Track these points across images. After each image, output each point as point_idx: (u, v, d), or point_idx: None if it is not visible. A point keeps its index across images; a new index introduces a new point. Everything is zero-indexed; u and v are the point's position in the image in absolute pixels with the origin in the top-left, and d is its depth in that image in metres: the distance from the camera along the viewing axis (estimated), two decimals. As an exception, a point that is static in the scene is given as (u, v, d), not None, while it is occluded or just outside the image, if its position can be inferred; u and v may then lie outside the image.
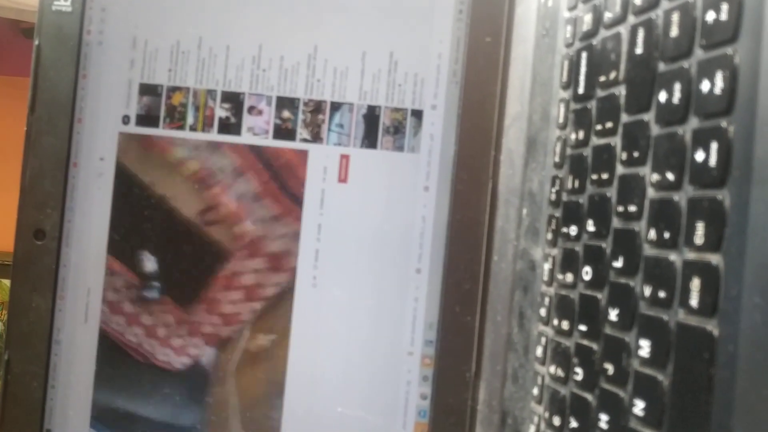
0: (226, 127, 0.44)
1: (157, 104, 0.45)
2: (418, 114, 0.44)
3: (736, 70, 0.23)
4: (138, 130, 0.45)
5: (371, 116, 0.44)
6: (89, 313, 0.44)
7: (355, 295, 0.44)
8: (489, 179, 0.42)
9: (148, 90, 0.45)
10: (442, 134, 0.44)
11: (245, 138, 0.44)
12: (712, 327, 0.23)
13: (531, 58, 0.40)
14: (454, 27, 0.44)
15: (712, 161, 0.23)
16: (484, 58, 0.43)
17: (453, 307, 0.42)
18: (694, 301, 0.23)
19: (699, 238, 0.24)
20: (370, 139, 0.44)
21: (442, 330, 0.43)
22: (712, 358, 0.22)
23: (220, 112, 0.44)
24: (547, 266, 0.36)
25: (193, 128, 0.44)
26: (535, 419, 0.35)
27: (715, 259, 0.23)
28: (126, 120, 0.45)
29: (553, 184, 0.36)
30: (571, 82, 0.35)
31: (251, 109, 0.44)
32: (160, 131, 0.45)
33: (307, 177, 0.44)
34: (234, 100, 0.44)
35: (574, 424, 0.31)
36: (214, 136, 0.44)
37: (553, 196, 0.36)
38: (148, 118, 0.45)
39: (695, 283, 0.23)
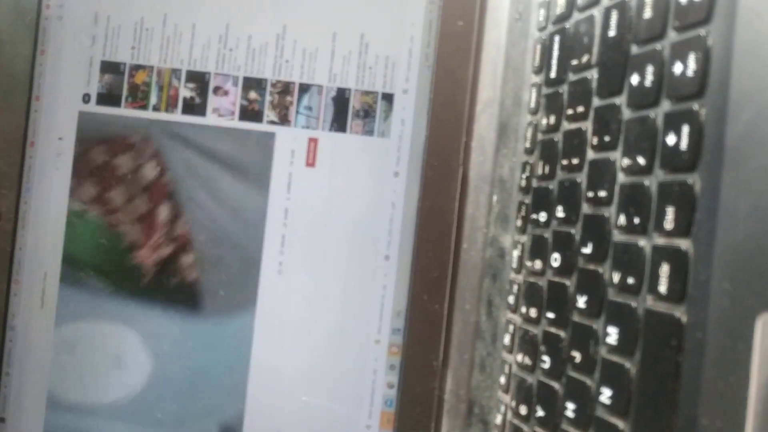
0: (191, 107, 0.43)
1: (119, 83, 0.43)
2: (388, 98, 0.43)
3: (709, 52, 0.22)
4: (99, 109, 0.43)
5: (341, 99, 0.43)
6: (46, 298, 0.43)
7: (322, 282, 0.43)
8: (459, 165, 0.41)
9: (109, 68, 0.43)
10: (413, 119, 0.43)
11: (210, 119, 0.43)
12: (680, 313, 0.22)
13: (504, 42, 0.39)
14: (427, 10, 0.43)
15: (684, 145, 0.23)
16: (456, 42, 0.42)
17: (421, 295, 0.42)
18: (662, 288, 0.23)
19: (669, 223, 0.23)
20: (339, 123, 0.43)
21: (410, 318, 0.42)
22: (680, 345, 0.22)
23: (185, 92, 0.43)
24: (516, 253, 0.35)
25: (156, 108, 0.43)
26: (502, 408, 0.35)
27: (684, 244, 0.22)
28: (86, 98, 0.43)
29: (523, 170, 0.35)
30: (544, 66, 0.35)
31: (217, 89, 0.43)
32: (122, 111, 0.43)
33: (273, 160, 0.43)
34: (199, 80, 0.43)
35: (540, 413, 0.31)
36: (178, 116, 0.43)
37: (524, 183, 0.35)
38: (109, 97, 0.43)
39: (664, 269, 0.23)
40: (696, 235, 0.22)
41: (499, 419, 0.35)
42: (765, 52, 0.20)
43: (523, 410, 0.32)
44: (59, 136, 0.43)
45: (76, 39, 0.43)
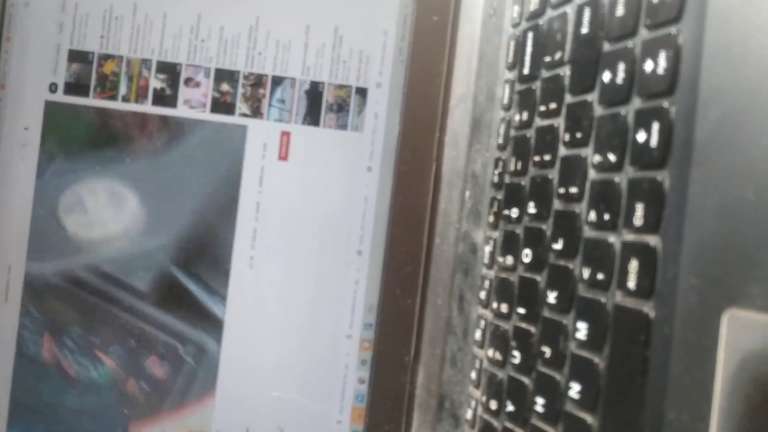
0: (161, 98, 0.42)
1: (88, 72, 0.42)
2: (362, 92, 0.43)
3: (680, 50, 0.23)
4: (66, 98, 0.42)
5: (314, 92, 0.42)
6: (9, 292, 0.42)
7: (294, 276, 0.43)
8: (433, 161, 0.41)
9: (77, 57, 0.42)
10: (386, 113, 0.43)
11: (181, 111, 0.42)
12: (648, 309, 0.22)
13: (478, 37, 0.39)
14: (402, 4, 0.43)
15: (653, 142, 0.23)
16: (430, 37, 0.42)
17: (393, 290, 0.42)
18: (631, 283, 0.23)
19: (638, 219, 0.23)
20: (312, 116, 0.42)
21: (381, 313, 0.42)
22: (648, 341, 0.22)
23: (155, 82, 0.42)
24: (488, 249, 0.35)
25: (125, 99, 0.42)
26: (473, 403, 0.35)
27: (653, 240, 0.23)
28: (53, 88, 0.42)
29: (496, 166, 0.36)
30: (517, 62, 0.35)
31: (188, 80, 0.42)
32: (90, 101, 0.42)
33: (245, 153, 0.42)
34: (170, 70, 0.42)
35: (510, 407, 0.31)
36: (148, 107, 0.42)
37: (496, 178, 0.35)
38: (77, 87, 0.42)
39: (633, 265, 0.23)
40: (665, 232, 0.22)
41: (469, 414, 0.35)
42: (734, 51, 0.20)
43: (493, 405, 0.32)
44: (25, 125, 0.42)
45: (43, 26, 0.42)
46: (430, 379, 0.40)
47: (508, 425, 0.31)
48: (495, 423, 0.32)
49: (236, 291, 0.42)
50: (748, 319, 0.19)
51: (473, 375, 0.35)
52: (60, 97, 0.42)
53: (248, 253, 0.42)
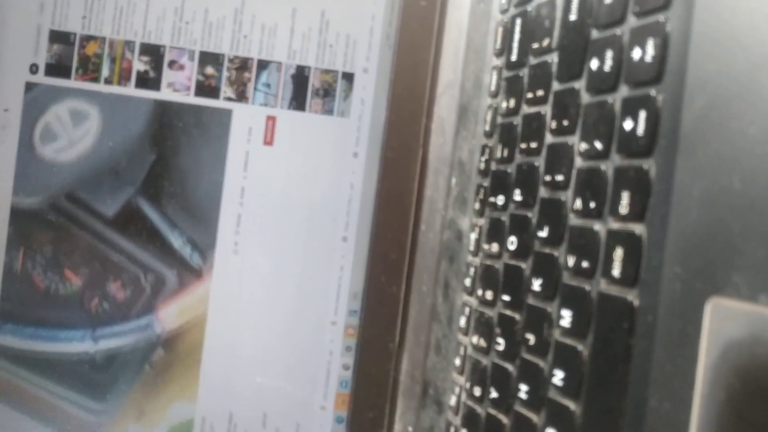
0: (145, 81, 0.42)
1: (69, 54, 0.41)
2: (349, 77, 0.42)
3: (668, 38, 0.23)
4: (47, 80, 0.41)
5: (300, 77, 0.42)
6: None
7: (279, 262, 0.42)
8: (419, 147, 0.41)
9: (59, 37, 0.41)
10: (373, 99, 0.42)
11: (165, 94, 0.42)
12: (632, 297, 0.22)
13: (466, 24, 0.39)
14: (389, -12, 0.42)
15: (640, 130, 0.23)
16: (418, 23, 0.41)
17: (379, 276, 0.42)
18: (616, 271, 0.23)
19: (624, 207, 0.23)
20: (298, 101, 0.42)
21: (366, 300, 0.42)
22: (632, 328, 0.22)
23: (139, 65, 0.42)
24: (473, 236, 0.35)
25: (108, 81, 0.42)
26: (456, 390, 0.35)
27: (638, 228, 0.23)
28: (34, 69, 0.41)
29: (482, 153, 0.35)
30: (505, 49, 0.34)
31: (172, 63, 0.42)
32: (72, 83, 0.41)
33: (230, 138, 0.42)
34: (154, 53, 0.42)
35: (494, 394, 0.31)
36: (131, 90, 0.42)
37: (483, 166, 0.35)
38: (58, 68, 0.41)
39: (618, 253, 0.23)
40: (650, 220, 0.22)
41: (453, 400, 0.35)
42: (721, 39, 0.20)
43: (477, 392, 0.33)
44: (5, 107, 0.41)
45: (23, 6, 0.41)
46: (414, 366, 0.40)
47: (492, 412, 0.31)
48: (479, 409, 0.32)
49: (220, 276, 0.42)
50: (731, 308, 0.19)
51: (457, 362, 0.35)
52: (41, 78, 0.41)
53: (232, 238, 0.42)
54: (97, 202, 0.41)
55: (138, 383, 0.42)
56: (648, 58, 0.23)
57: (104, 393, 0.42)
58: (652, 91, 0.23)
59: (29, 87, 0.41)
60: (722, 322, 0.19)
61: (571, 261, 0.26)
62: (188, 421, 0.42)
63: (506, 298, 0.31)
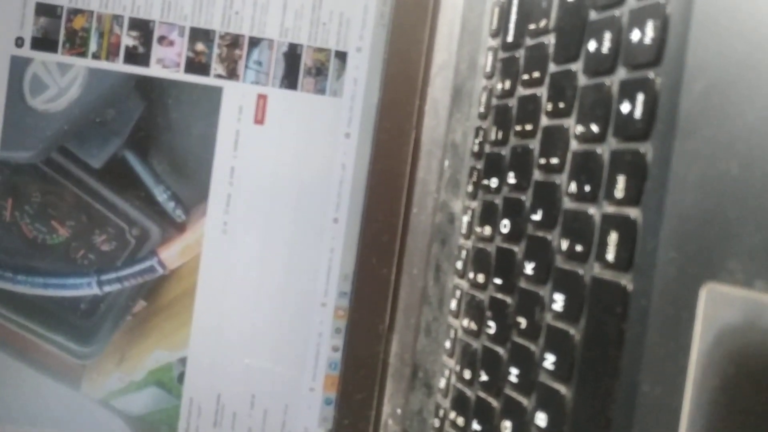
0: (133, 57, 0.41)
1: (56, 27, 0.41)
2: (342, 56, 0.42)
3: (667, 20, 0.22)
4: (33, 54, 0.41)
5: (292, 55, 0.41)
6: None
7: (268, 243, 0.42)
8: (412, 129, 0.41)
9: (45, 10, 0.41)
10: (366, 79, 0.42)
11: (154, 70, 0.41)
12: (626, 281, 0.22)
13: (461, 3, 0.38)
14: (384, -34, 0.42)
15: (638, 113, 0.23)
16: (413, 2, 0.41)
17: (369, 258, 0.41)
18: (610, 255, 0.23)
19: (619, 191, 0.23)
20: (290, 80, 0.41)
21: (357, 282, 0.42)
22: (625, 313, 0.22)
23: (127, 40, 0.41)
24: (466, 219, 0.35)
25: (96, 56, 0.41)
26: (446, 372, 0.35)
27: (633, 213, 0.22)
28: (20, 42, 0.40)
29: (476, 135, 0.35)
30: (501, 30, 0.34)
31: (161, 39, 0.41)
32: (59, 57, 0.41)
33: (220, 116, 0.41)
34: (143, 28, 0.41)
35: (484, 377, 0.31)
36: (119, 66, 0.41)
37: (476, 148, 0.35)
38: (45, 42, 0.41)
39: (612, 237, 0.23)
40: (645, 204, 0.22)
41: (443, 383, 0.35)
42: (722, 22, 0.20)
43: (467, 374, 0.33)
44: (-11, 81, 0.40)
45: (9, -23, 0.40)
46: (404, 348, 0.39)
47: (482, 395, 0.31)
48: (468, 392, 0.32)
49: (209, 256, 0.42)
50: (726, 294, 0.19)
51: (447, 344, 0.35)
52: (27, 51, 0.40)
53: (222, 218, 0.42)
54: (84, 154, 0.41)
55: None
56: (647, 40, 0.23)
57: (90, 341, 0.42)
58: (651, 74, 0.22)
59: (15, 61, 0.40)
60: (717, 307, 0.19)
61: (564, 245, 0.26)
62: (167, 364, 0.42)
63: (498, 281, 0.31)
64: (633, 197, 0.22)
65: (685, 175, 0.21)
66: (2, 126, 0.40)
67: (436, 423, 0.35)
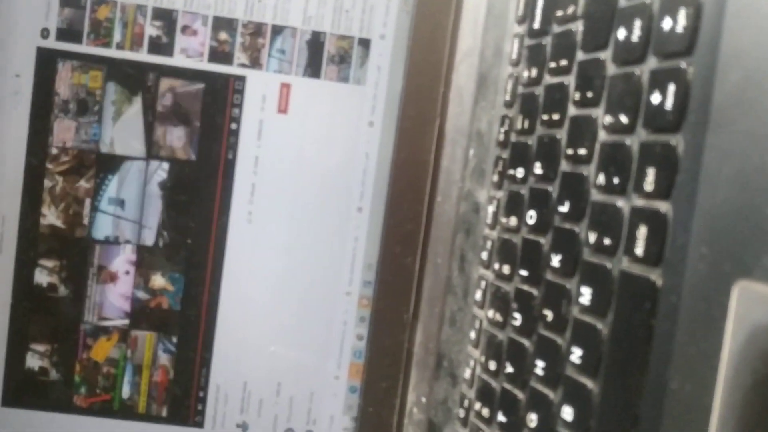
0: (157, 47, 0.41)
1: (81, 18, 0.41)
2: (365, 43, 0.41)
3: (701, 8, 0.21)
4: (59, 45, 0.41)
5: (315, 43, 0.41)
6: (4, 243, 0.41)
7: (293, 232, 0.42)
8: (437, 117, 0.40)
9: (70, 1, 0.41)
10: (389, 66, 0.41)
11: (178, 60, 0.41)
12: (655, 276, 0.22)
13: (486, -11, 0.37)
14: (408, -49, 0.41)
15: (669, 104, 0.22)
16: (437, -13, 0.40)
17: (393, 247, 0.41)
18: (639, 250, 0.23)
19: (649, 184, 0.23)
20: (313, 68, 0.41)
21: (381, 271, 0.42)
22: (654, 309, 0.22)
23: (151, 30, 0.41)
24: (491, 209, 0.35)
25: (120, 46, 0.41)
26: (471, 363, 0.35)
27: (663, 206, 0.22)
28: (45, 33, 0.41)
29: (502, 124, 0.35)
30: (527, 16, 0.33)
31: (185, 28, 0.41)
32: (84, 48, 0.41)
33: (244, 105, 0.41)
34: (166, 17, 0.41)
35: (509, 369, 0.31)
36: (143, 56, 0.41)
37: (502, 137, 0.34)
38: (70, 33, 0.41)
39: (642, 231, 0.23)
40: (676, 198, 0.22)
41: (467, 373, 0.35)
42: (758, 10, 0.19)
43: (492, 366, 0.32)
44: (16, 72, 0.41)
45: (34, -32, 0.41)
46: (428, 338, 0.39)
47: (507, 386, 0.31)
48: (494, 384, 0.32)
49: (234, 245, 0.42)
50: (759, 292, 0.18)
51: (472, 335, 0.35)
52: (52, 43, 0.41)
53: (246, 207, 0.42)
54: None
55: (153, 350, 0.42)
56: (679, 28, 0.22)
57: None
58: (683, 64, 0.22)
59: (40, 52, 0.41)
60: (750, 306, 0.18)
61: (592, 237, 0.25)
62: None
63: (524, 272, 0.30)
64: (663, 191, 0.22)
65: (718, 169, 0.20)
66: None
67: (461, 413, 0.35)
